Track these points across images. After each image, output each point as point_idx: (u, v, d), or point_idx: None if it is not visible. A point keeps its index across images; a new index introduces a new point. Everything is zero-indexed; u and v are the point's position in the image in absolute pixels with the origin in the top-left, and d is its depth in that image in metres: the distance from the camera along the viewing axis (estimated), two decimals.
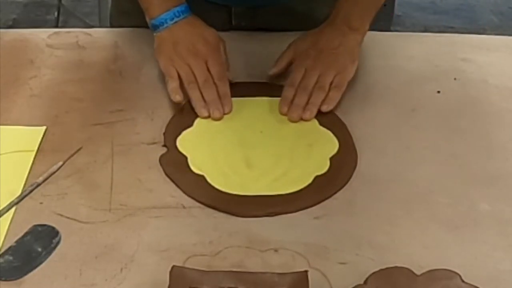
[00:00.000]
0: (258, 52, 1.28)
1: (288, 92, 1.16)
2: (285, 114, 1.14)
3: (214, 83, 1.16)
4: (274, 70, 1.21)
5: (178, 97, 1.14)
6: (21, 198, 0.98)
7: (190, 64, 1.17)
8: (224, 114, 1.14)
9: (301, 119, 1.13)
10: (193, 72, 1.17)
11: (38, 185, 1.00)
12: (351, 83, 1.19)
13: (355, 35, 1.20)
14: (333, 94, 1.15)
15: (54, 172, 1.02)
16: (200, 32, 1.21)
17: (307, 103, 1.14)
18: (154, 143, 1.09)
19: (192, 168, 1.04)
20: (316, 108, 1.14)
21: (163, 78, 1.20)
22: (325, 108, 1.14)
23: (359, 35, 1.20)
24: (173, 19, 1.19)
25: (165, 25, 1.19)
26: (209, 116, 1.13)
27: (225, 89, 1.17)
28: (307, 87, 1.16)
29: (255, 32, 1.32)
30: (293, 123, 1.13)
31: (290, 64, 1.20)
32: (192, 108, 1.15)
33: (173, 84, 1.15)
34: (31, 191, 0.99)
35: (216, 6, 1.32)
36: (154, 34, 1.21)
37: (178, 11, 1.20)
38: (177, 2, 1.21)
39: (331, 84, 1.16)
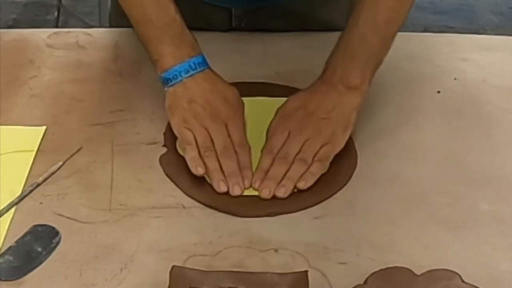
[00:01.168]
0: (258, 52, 1.28)
1: (264, 161, 1.02)
2: (257, 189, 1.00)
3: (235, 151, 1.03)
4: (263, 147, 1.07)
5: (200, 170, 1.00)
6: (21, 198, 0.98)
7: (207, 127, 1.04)
8: (244, 188, 1.00)
9: (273, 196, 0.99)
10: (211, 137, 1.04)
11: (38, 185, 1.00)
12: None
13: (354, 97, 1.06)
14: (315, 168, 1.01)
15: (54, 172, 1.02)
16: (219, 90, 1.08)
17: (284, 176, 1.01)
18: (154, 143, 1.09)
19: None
20: (292, 184, 1.00)
21: None
22: (301, 186, 1.00)
23: (358, 97, 1.06)
24: (188, 71, 1.06)
25: (179, 78, 1.06)
26: (227, 192, 1.00)
27: (246, 158, 1.03)
28: (287, 156, 1.02)
29: (255, 32, 1.32)
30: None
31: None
32: None
33: (192, 153, 1.01)
34: (31, 191, 0.99)
35: (216, 7, 1.31)
36: (165, 89, 1.07)
37: (194, 63, 1.06)
38: (193, 52, 1.08)
39: (315, 155, 1.02)
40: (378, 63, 1.08)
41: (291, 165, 1.02)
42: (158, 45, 1.07)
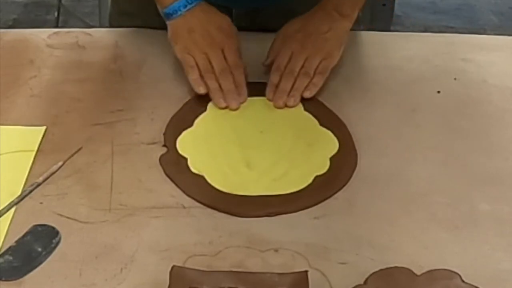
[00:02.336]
0: (258, 52, 1.28)
1: (274, 77, 1.17)
2: (271, 100, 1.16)
3: (231, 72, 1.17)
4: (268, 61, 1.22)
5: (202, 89, 1.15)
6: (21, 198, 0.98)
7: (207, 52, 1.17)
8: (240, 103, 1.16)
9: (286, 105, 1.15)
10: (209, 61, 1.17)
11: (38, 185, 1.00)
12: (351, 82, 1.19)
13: (345, 22, 1.21)
14: (316, 80, 1.17)
15: (54, 172, 1.02)
16: (215, 19, 1.20)
17: (291, 88, 1.16)
18: (154, 143, 1.08)
19: (192, 168, 1.04)
20: (299, 94, 1.16)
21: (163, 78, 1.20)
22: (307, 94, 1.16)
23: (349, 22, 1.21)
24: (186, 6, 1.18)
25: (179, 12, 1.18)
26: (226, 107, 1.15)
27: (241, 78, 1.18)
28: (292, 71, 1.17)
29: (255, 32, 1.32)
30: (293, 123, 1.13)
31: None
32: (193, 107, 1.15)
33: (194, 75, 1.16)
34: (31, 191, 0.99)
35: (216, 7, 1.31)
36: (168, 22, 1.20)
37: None
38: None
39: (316, 69, 1.17)
40: None
41: (297, 78, 1.17)
42: None
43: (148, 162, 1.05)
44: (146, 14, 1.29)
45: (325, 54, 1.18)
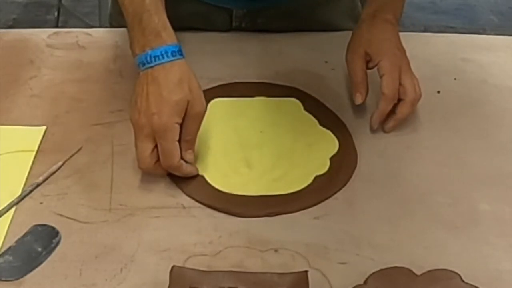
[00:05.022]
0: (258, 52, 1.28)
1: (386, 104, 1.10)
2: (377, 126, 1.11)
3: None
4: (359, 94, 1.13)
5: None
6: (21, 198, 0.98)
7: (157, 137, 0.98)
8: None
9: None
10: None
11: (38, 185, 1.00)
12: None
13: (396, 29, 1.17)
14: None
15: (54, 172, 1.02)
16: (175, 95, 0.99)
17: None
18: None
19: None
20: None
21: None
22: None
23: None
24: (144, 65, 1.00)
25: (141, 67, 1.00)
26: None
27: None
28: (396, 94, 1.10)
29: (254, 33, 1.32)
30: (293, 123, 1.13)
31: (365, 72, 1.14)
32: None
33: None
34: (31, 191, 0.99)
35: (216, 7, 1.31)
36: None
37: (151, 56, 1.00)
38: (155, 43, 1.00)
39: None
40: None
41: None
42: (130, 31, 1.04)
43: None
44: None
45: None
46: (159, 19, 1.01)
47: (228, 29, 1.34)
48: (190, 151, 1.00)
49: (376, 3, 1.17)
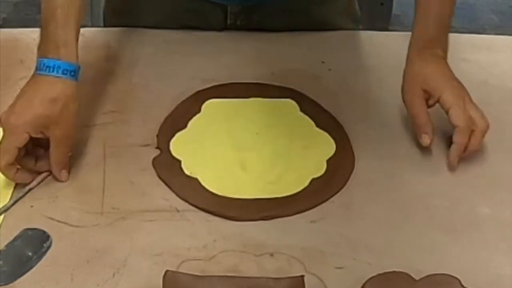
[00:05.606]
0: (253, 52, 1.28)
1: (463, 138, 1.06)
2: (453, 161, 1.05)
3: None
4: (427, 136, 1.07)
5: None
6: (5, 209, 0.97)
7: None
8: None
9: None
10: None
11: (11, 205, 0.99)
12: (349, 83, 1.18)
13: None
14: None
15: (21, 197, 1.00)
16: (28, 96, 1.01)
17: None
18: (147, 145, 1.08)
19: (186, 171, 1.03)
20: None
21: (156, 78, 1.19)
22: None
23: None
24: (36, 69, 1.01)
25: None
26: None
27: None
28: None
29: (251, 32, 1.32)
30: (289, 124, 1.12)
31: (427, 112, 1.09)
32: (186, 109, 1.14)
33: None
34: (8, 209, 0.98)
35: (211, 4, 1.30)
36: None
37: (38, 65, 1.01)
38: (43, 54, 1.02)
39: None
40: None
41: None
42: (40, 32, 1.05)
43: (141, 165, 1.04)
44: (140, 12, 1.28)
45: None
46: (65, 33, 1.02)
47: (223, 27, 1.33)
48: (63, 171, 1.01)
49: (423, 39, 1.14)
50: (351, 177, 1.04)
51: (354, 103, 1.16)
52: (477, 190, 1.02)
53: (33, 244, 0.92)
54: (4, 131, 0.98)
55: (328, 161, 1.06)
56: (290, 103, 1.17)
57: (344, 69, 1.24)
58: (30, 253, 0.90)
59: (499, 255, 0.93)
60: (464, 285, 0.86)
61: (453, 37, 1.20)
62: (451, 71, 1.11)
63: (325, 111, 1.15)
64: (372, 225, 0.97)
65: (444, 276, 0.87)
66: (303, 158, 1.06)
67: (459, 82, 1.10)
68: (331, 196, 1.01)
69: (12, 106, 0.99)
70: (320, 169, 1.05)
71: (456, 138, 1.05)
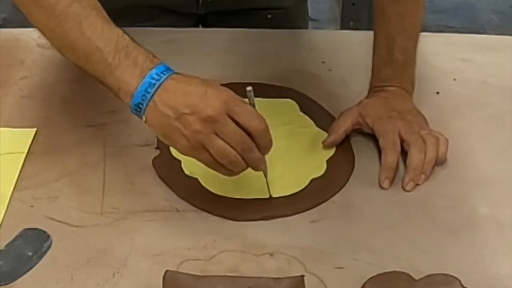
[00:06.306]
0: (253, 53, 1.27)
1: (392, 159, 1.04)
2: (384, 184, 1.03)
3: (252, 140, 0.90)
4: (331, 139, 1.08)
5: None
6: None
7: (216, 131, 0.88)
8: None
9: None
10: (224, 140, 0.88)
11: None
12: (348, 83, 1.18)
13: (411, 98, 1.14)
14: (443, 146, 1.06)
15: None
16: (198, 83, 0.91)
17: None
18: (147, 145, 1.08)
19: (186, 170, 1.03)
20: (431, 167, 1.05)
21: None
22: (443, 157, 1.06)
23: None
24: (154, 85, 0.88)
25: (148, 96, 0.88)
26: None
27: (265, 138, 0.91)
28: (419, 146, 1.05)
29: (249, 32, 1.32)
30: (289, 124, 1.12)
31: (346, 132, 1.09)
32: None
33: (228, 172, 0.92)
34: None
35: None
36: (144, 120, 0.91)
37: (156, 73, 0.89)
38: (151, 64, 0.91)
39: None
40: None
41: (426, 151, 1.04)
42: (114, 72, 0.91)
43: (141, 165, 1.04)
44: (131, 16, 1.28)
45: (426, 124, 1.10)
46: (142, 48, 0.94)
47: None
48: None
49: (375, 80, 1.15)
50: (351, 177, 1.04)
51: (354, 103, 1.15)
52: (477, 190, 1.02)
53: (33, 244, 0.92)
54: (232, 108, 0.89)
55: (328, 161, 1.06)
56: (290, 103, 1.17)
57: (343, 69, 1.24)
58: (30, 253, 0.90)
59: (499, 255, 0.93)
60: (464, 285, 0.85)
61: (453, 37, 1.21)
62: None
63: (325, 111, 1.15)
64: (372, 225, 0.97)
65: (444, 276, 0.87)
66: (303, 158, 1.07)
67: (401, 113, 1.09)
68: (331, 196, 1.00)
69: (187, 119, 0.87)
70: (320, 169, 1.05)
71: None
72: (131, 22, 1.26)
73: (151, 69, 0.89)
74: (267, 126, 0.91)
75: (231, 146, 0.88)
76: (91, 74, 0.95)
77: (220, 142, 0.87)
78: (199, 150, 0.88)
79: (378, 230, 0.96)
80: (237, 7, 1.37)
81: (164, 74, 0.89)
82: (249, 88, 0.92)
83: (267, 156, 0.94)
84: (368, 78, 1.16)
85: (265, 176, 0.98)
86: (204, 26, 1.42)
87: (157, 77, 0.89)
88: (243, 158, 0.90)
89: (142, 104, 0.89)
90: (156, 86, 0.88)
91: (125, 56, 0.91)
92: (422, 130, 1.07)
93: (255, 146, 0.90)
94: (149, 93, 0.88)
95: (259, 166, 0.93)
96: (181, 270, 0.88)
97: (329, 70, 1.25)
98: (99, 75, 0.93)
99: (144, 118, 0.91)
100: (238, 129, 0.88)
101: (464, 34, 1.40)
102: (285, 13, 1.41)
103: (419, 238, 0.95)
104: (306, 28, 1.46)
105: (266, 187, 1.01)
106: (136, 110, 0.90)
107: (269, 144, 0.92)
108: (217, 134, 0.87)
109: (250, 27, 1.34)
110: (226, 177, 1.02)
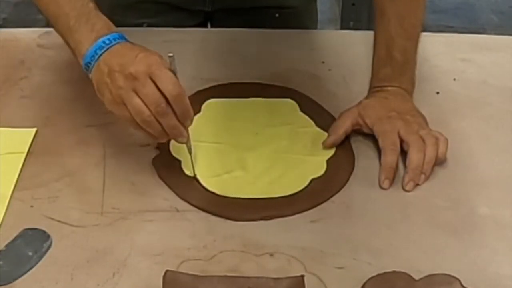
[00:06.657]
0: (253, 53, 1.27)
1: (392, 159, 1.04)
2: (384, 184, 1.03)
3: (168, 105, 0.94)
4: (331, 140, 1.08)
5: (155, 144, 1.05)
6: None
7: (136, 90, 0.94)
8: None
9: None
10: (142, 100, 0.94)
11: None
12: (349, 83, 1.18)
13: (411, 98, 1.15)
14: (442, 146, 1.06)
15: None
16: (135, 49, 0.98)
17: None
18: (147, 145, 1.07)
19: (186, 170, 1.03)
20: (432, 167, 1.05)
21: None
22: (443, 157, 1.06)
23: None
24: (102, 47, 0.98)
25: (96, 57, 0.98)
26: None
27: (183, 105, 0.95)
28: (419, 145, 1.05)
29: (249, 32, 1.32)
30: (289, 124, 1.12)
31: (346, 133, 1.09)
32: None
33: (141, 130, 0.96)
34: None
35: None
36: (90, 76, 1.00)
37: (109, 39, 0.98)
38: (108, 31, 1.00)
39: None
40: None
41: (425, 151, 1.04)
42: (73, 34, 1.02)
43: (141, 165, 1.04)
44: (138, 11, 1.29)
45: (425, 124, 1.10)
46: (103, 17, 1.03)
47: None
48: None
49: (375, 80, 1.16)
50: (351, 177, 1.04)
51: (354, 103, 1.15)
52: (477, 190, 1.02)
53: (33, 244, 0.91)
54: (151, 69, 0.94)
55: (328, 161, 1.06)
56: (290, 103, 1.17)
57: (344, 69, 1.24)
58: (30, 253, 0.90)
59: (499, 255, 0.93)
60: (464, 285, 0.85)
61: (453, 37, 1.21)
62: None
63: (325, 111, 1.15)
64: (372, 225, 0.96)
65: (444, 276, 0.87)
66: (303, 158, 1.06)
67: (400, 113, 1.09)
68: (331, 196, 1.00)
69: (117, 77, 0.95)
70: (320, 169, 1.04)
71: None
72: (138, 18, 1.29)
73: (106, 35, 0.99)
74: (183, 93, 0.95)
75: (147, 106, 0.94)
76: (57, 32, 1.07)
77: (137, 100, 0.94)
78: (120, 106, 0.95)
79: (378, 230, 0.96)
80: (244, 5, 1.37)
81: (116, 41, 0.99)
82: (170, 54, 0.96)
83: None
84: (368, 78, 1.16)
85: (189, 152, 1.01)
86: (211, 23, 1.43)
87: (107, 42, 0.98)
88: (158, 122, 0.94)
89: (90, 64, 0.99)
90: (105, 49, 0.98)
91: (85, 22, 1.01)
92: (421, 130, 1.07)
93: (171, 112, 0.95)
94: (97, 54, 0.98)
95: (177, 135, 0.97)
96: (181, 270, 0.88)
97: (329, 70, 1.25)
98: (63, 36, 1.05)
99: (90, 76, 1.00)
100: (155, 91, 0.93)
101: (464, 34, 1.40)
102: (293, 12, 1.42)
103: (419, 238, 0.95)
104: (315, 28, 1.46)
105: (266, 186, 1.01)
106: (85, 69, 1.00)
107: (186, 112, 0.96)
108: (136, 93, 0.94)
109: (257, 25, 1.34)
110: (226, 177, 1.02)
